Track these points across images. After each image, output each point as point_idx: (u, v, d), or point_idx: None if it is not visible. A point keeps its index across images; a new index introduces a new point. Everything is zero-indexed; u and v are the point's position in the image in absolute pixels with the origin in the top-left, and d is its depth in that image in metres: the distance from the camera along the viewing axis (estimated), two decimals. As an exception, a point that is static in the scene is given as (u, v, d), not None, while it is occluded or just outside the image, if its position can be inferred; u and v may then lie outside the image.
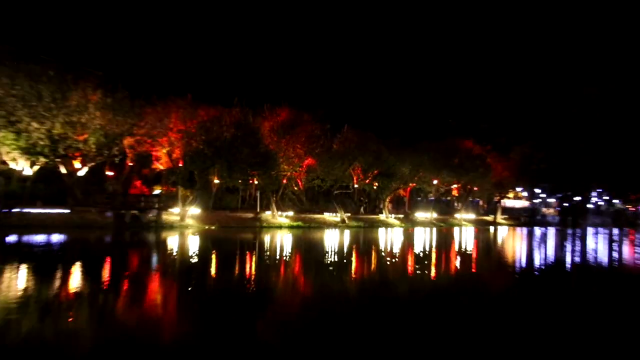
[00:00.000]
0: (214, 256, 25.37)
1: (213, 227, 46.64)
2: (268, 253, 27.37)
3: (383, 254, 27.72)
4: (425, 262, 24.11)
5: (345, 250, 30.04)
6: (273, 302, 14.07)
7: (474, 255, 29.49)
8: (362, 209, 67.31)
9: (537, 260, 27.40)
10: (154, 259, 24.28)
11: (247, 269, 20.59)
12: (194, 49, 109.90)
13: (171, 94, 48.09)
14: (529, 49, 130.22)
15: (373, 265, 22.42)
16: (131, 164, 51.19)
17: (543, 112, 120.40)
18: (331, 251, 28.66)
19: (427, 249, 32.82)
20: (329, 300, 14.10)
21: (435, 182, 72.38)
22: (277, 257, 24.98)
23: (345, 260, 23.77)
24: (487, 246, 38.89)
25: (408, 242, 39.31)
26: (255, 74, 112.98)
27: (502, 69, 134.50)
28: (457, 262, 25.28)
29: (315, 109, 57.39)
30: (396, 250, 31.11)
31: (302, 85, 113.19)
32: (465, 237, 48.28)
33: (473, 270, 22.89)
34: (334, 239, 39.15)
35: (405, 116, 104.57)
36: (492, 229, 69.68)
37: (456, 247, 35.15)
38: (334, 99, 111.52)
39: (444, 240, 42.99)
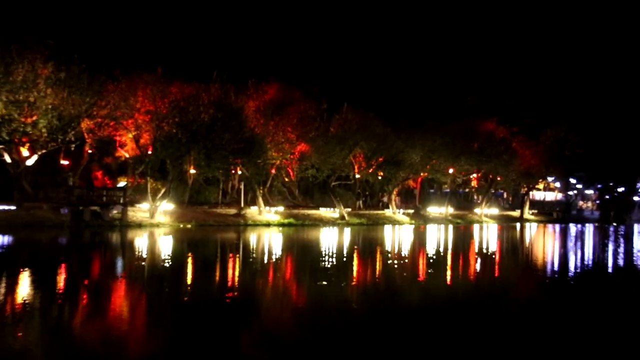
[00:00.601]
0: (188, 262, 24.93)
1: (189, 226, 46.33)
2: (254, 257, 26.95)
3: (393, 260, 27.30)
4: (447, 274, 23.72)
5: (347, 255, 29.61)
6: (259, 326, 13.63)
7: (501, 262, 29.14)
8: (359, 204, 66.81)
9: (577, 267, 27.04)
10: (119, 265, 23.86)
11: (228, 280, 20.15)
12: (165, 13, 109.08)
13: (138, 67, 47.49)
14: (560, 12, 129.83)
15: (383, 279, 21.94)
16: (91, 151, 50.70)
17: (579, 87, 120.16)
18: (330, 256, 28.18)
19: (445, 253, 32.44)
20: (330, 327, 13.63)
21: (451, 171, 72.05)
22: (265, 263, 24.53)
23: (348, 270, 23.29)
24: (515, 249, 38.58)
25: (420, 243, 38.98)
26: (238, 43, 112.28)
27: (530, 35, 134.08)
28: (483, 273, 24.91)
29: (309, 85, 56.91)
30: (409, 256, 30.73)
31: (293, 58, 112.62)
32: (488, 238, 47.98)
33: (502, 284, 22.52)
34: (332, 240, 38.80)
35: (416, 93, 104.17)
36: (518, 226, 69.48)
37: (479, 251, 34.79)
38: (331, 73, 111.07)
39: (463, 242, 42.67)
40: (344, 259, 26.77)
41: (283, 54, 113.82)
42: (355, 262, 26.23)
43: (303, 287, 18.73)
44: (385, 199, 71.88)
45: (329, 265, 24.03)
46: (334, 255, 28.16)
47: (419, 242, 40.30)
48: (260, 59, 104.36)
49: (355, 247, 34.81)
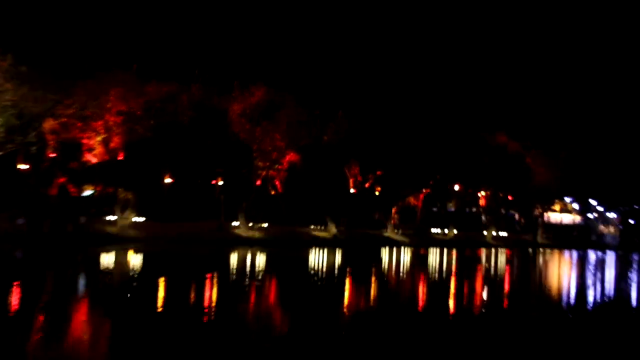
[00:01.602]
0: (159, 288, 24.47)
1: (162, 242, 45.91)
2: (231, 285, 26.52)
3: (395, 298, 26.87)
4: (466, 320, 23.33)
5: (338, 292, 28.89)
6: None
7: (514, 300, 28.83)
8: (343, 221, 65.05)
9: (597, 304, 26.68)
10: (79, 288, 23.43)
11: (200, 314, 19.68)
12: (143, 4, 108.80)
13: (110, 64, 47.20)
14: (581, 20, 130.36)
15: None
16: (53, 154, 50.23)
17: (601, 98, 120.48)
18: (326, 295, 27.33)
19: (454, 288, 32.07)
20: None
21: (456, 187, 71.95)
22: (244, 300, 24.03)
23: (344, 311, 22.62)
24: (527, 284, 38.19)
25: (422, 272, 38.68)
26: (223, 41, 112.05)
27: (545, 41, 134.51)
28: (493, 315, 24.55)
29: (300, 89, 56.71)
30: (419, 294, 30.35)
31: (284, 58, 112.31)
32: (497, 266, 47.71)
33: (517, 329, 22.16)
34: (322, 269, 38.15)
35: (418, 101, 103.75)
36: (531, 252, 69.25)
37: (488, 285, 34.44)
38: (325, 75, 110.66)
39: (469, 270, 42.37)
40: (342, 299, 26.18)
41: (273, 54, 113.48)
42: (350, 300, 25.80)
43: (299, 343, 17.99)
44: (377, 217, 71.39)
45: (324, 313, 23.56)
46: (330, 294, 27.31)
47: (422, 270, 40.00)
48: (248, 59, 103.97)
49: (351, 277, 34.01)
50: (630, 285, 35.50)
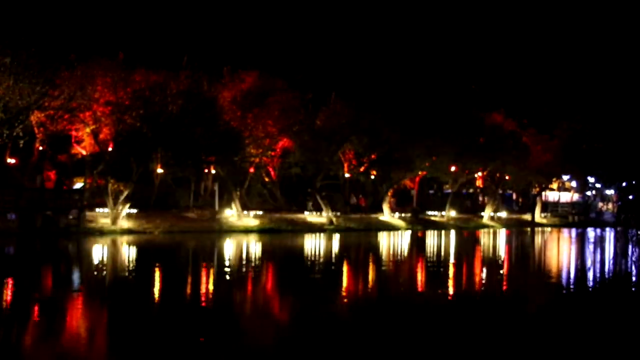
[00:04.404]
0: (155, 279, 24.64)
1: (156, 233, 46.16)
2: (229, 273, 26.69)
3: (402, 283, 27.14)
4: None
5: (343, 274, 29.33)
6: None
7: (515, 278, 29.11)
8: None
9: (600, 282, 26.96)
10: (74, 282, 23.57)
11: (201, 304, 19.86)
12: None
13: (96, 52, 46.99)
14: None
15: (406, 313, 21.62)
16: (42, 148, 50.18)
17: (598, 73, 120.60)
18: (325, 276, 27.79)
19: (457, 269, 32.36)
20: None
21: (453, 169, 72.13)
22: (243, 285, 24.26)
23: (352, 300, 22.88)
24: (526, 261, 38.58)
25: (422, 254, 38.94)
26: (211, 26, 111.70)
27: (541, 16, 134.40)
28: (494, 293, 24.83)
29: (292, 73, 56.62)
30: (423, 276, 30.63)
31: (274, 42, 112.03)
32: (495, 246, 48.07)
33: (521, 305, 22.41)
34: (322, 252, 38.63)
35: (412, 81, 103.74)
36: (529, 231, 69.70)
37: (486, 263, 34.80)
38: (317, 59, 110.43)
39: (467, 251, 42.64)
40: (343, 280, 26.53)
41: (262, 38, 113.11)
42: (362, 288, 26.02)
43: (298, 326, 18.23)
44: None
45: (331, 293, 23.78)
46: (331, 276, 27.70)
47: (419, 251, 40.27)
48: (237, 43, 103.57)
49: (351, 262, 34.46)
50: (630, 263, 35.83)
